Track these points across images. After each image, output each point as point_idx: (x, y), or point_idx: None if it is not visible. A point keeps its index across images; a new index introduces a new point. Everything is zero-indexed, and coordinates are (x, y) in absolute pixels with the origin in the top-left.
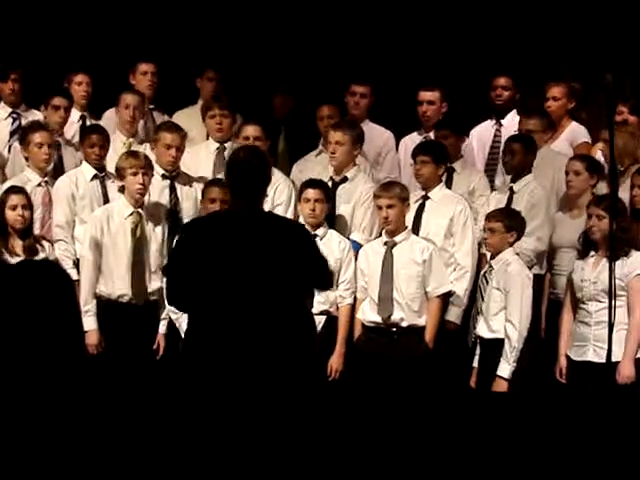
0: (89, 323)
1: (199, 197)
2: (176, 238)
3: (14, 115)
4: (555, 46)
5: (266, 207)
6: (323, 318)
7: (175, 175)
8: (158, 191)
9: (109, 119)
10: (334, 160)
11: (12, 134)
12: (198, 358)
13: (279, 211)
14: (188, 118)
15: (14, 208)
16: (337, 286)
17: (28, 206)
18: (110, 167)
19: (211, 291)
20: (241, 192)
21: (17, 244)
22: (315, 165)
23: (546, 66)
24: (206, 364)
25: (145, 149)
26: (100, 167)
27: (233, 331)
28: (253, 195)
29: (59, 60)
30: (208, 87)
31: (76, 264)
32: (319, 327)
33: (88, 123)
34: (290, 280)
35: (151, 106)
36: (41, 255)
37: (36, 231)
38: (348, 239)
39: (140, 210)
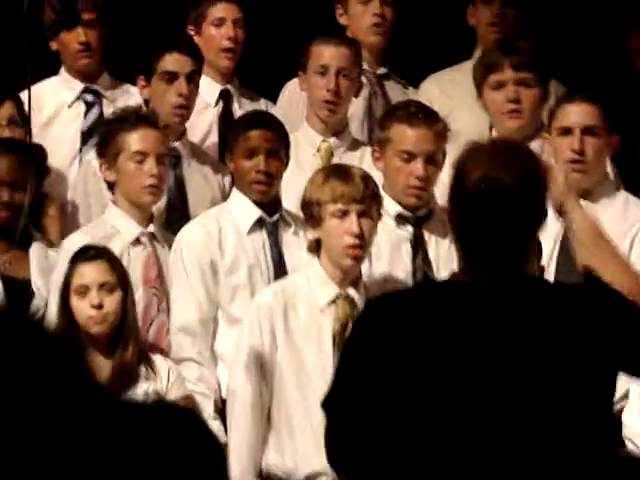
0: None
1: None
2: (351, 338)
3: (89, 96)
4: None
5: None
6: None
7: None
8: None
9: (290, 99)
10: None
11: (85, 136)
12: None
13: None
14: None
15: (85, 293)
16: None
17: (119, 286)
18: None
19: (440, 444)
20: (489, 247)
21: (99, 360)
22: None
23: None
24: None
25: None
26: (270, 201)
27: None
28: (515, 251)
29: None
30: None
31: (221, 408)
32: None
33: (238, 108)
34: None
35: None
36: (144, 386)
37: None
38: None
39: (353, 291)
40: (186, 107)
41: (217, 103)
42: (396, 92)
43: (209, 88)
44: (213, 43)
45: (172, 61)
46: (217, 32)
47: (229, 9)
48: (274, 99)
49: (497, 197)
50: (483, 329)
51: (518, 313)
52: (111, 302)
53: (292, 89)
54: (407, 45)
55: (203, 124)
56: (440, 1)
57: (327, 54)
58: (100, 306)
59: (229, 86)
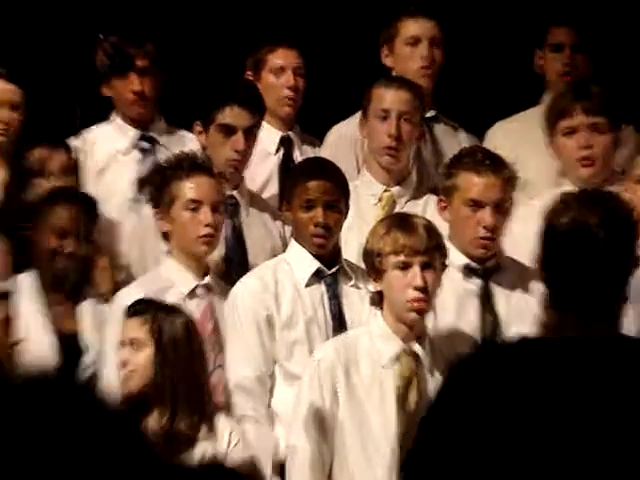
0: None
1: None
2: (441, 399)
3: (144, 143)
4: None
5: None
6: None
7: None
8: None
9: (337, 144)
10: None
11: (141, 184)
12: None
13: None
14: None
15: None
16: None
17: (150, 342)
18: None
19: None
20: (579, 290)
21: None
22: None
23: None
24: None
25: None
26: (329, 253)
27: None
28: (605, 294)
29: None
30: None
31: (279, 468)
32: None
33: (299, 155)
34: None
35: None
36: (203, 446)
37: None
38: None
39: (417, 347)
40: (241, 161)
41: (277, 150)
42: (446, 135)
43: (269, 135)
44: (273, 91)
45: (231, 115)
46: (277, 80)
47: (289, 56)
48: None
49: (587, 239)
50: (582, 396)
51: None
52: (137, 360)
53: (340, 133)
54: (471, 92)
55: (263, 172)
56: (504, 47)
57: (388, 98)
58: (125, 364)
59: (290, 133)
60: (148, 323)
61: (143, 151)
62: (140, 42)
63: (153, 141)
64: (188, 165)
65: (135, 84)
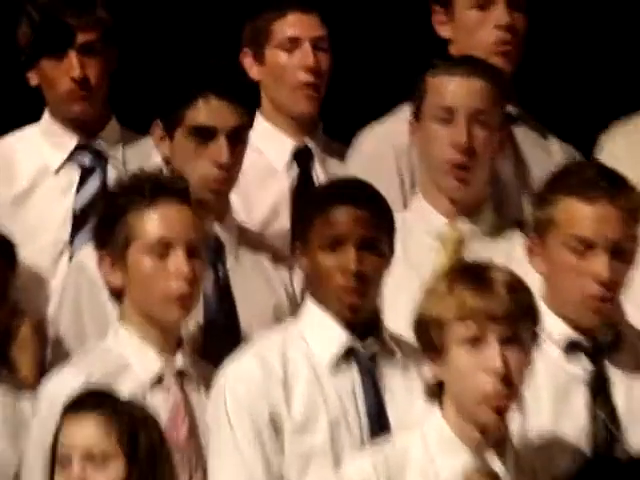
0: None
1: None
2: None
3: (85, 158)
4: None
5: None
6: None
7: None
8: None
9: (381, 151)
10: None
11: (79, 218)
12: None
13: None
14: None
15: (67, 465)
16: None
17: (119, 455)
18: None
19: None
20: None
21: None
22: None
23: None
24: None
25: None
26: (364, 319)
27: None
28: None
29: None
30: None
31: None
32: None
33: (322, 173)
34: None
35: None
36: None
37: None
38: None
39: (496, 460)
40: (226, 179)
41: (289, 167)
42: (533, 144)
43: (277, 144)
44: (283, 77)
45: (208, 110)
46: (288, 59)
47: (305, 23)
48: None
49: None
50: None
51: None
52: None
53: (377, 140)
54: (561, 84)
55: (266, 198)
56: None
57: (453, 89)
58: None
59: (308, 141)
60: (113, 426)
61: (84, 169)
62: (83, 6)
63: (100, 154)
64: (151, 188)
65: (74, 67)
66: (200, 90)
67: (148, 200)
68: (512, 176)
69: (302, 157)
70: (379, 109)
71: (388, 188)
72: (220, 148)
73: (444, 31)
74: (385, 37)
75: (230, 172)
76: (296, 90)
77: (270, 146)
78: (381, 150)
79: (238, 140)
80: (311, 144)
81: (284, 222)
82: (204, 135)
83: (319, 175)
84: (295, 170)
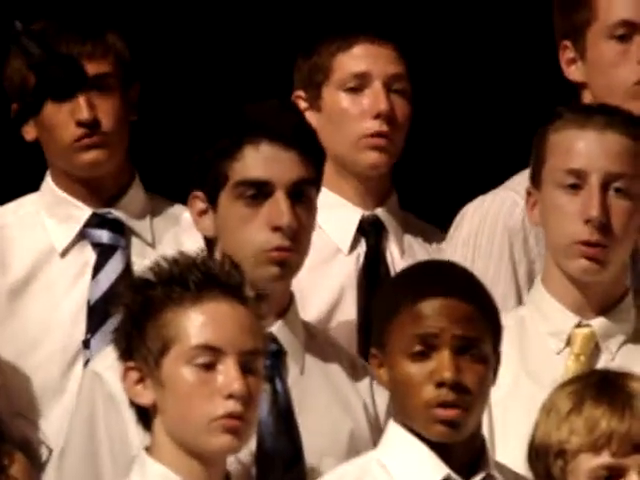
0: None
1: None
2: None
3: (103, 232)
4: None
5: None
6: None
7: None
8: None
9: (488, 232)
10: None
11: (94, 315)
12: None
13: None
14: None
15: None
16: None
17: None
18: None
19: None
20: None
21: None
22: None
23: None
24: None
25: None
26: (466, 446)
27: None
28: None
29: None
30: None
31: None
32: None
33: (398, 254)
34: None
35: None
36: None
37: None
38: None
39: None
40: (289, 250)
41: (354, 245)
42: None
43: (338, 215)
44: (344, 124)
45: (259, 163)
46: (352, 102)
47: (376, 56)
48: None
49: None
50: None
51: None
52: None
53: (483, 218)
54: None
55: (327, 286)
56: None
57: (585, 149)
58: None
59: (380, 211)
60: None
61: (102, 247)
62: (88, 29)
63: (120, 226)
64: (198, 279)
65: (81, 107)
66: (248, 136)
67: (193, 295)
68: None
69: (371, 231)
70: (485, 180)
71: (498, 279)
72: (278, 208)
73: (574, 73)
74: (485, 69)
75: (295, 241)
76: (361, 139)
77: (330, 217)
78: (489, 229)
79: (300, 200)
80: (383, 215)
81: (348, 314)
82: (254, 194)
83: (394, 255)
84: (363, 247)
